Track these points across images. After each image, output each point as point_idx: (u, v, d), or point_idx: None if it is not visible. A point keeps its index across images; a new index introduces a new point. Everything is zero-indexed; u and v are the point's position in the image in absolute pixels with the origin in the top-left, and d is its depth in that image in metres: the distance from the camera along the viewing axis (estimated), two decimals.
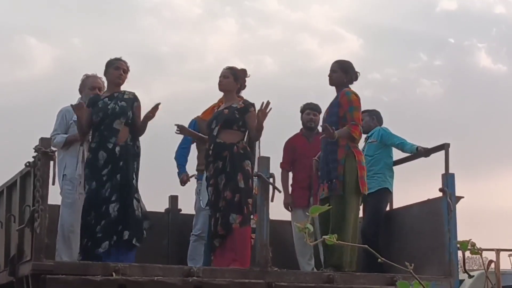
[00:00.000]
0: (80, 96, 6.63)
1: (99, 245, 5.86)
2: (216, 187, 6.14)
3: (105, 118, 6.07)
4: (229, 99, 6.41)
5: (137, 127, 6.16)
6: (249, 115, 6.26)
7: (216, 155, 6.15)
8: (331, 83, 6.50)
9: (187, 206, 7.20)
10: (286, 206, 7.16)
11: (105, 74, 6.31)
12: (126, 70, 6.24)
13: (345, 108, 6.31)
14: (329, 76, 6.46)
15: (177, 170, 7.02)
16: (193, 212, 6.91)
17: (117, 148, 6.01)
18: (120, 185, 5.97)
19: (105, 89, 6.44)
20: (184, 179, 6.92)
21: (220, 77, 6.40)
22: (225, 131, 6.19)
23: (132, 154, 6.10)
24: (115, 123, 6.08)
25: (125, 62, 6.25)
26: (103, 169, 5.97)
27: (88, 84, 6.55)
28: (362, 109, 6.61)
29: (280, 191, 6.07)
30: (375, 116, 7.52)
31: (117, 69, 6.19)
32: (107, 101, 6.16)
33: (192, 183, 6.96)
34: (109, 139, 6.02)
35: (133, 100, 6.23)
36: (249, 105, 6.32)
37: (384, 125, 7.55)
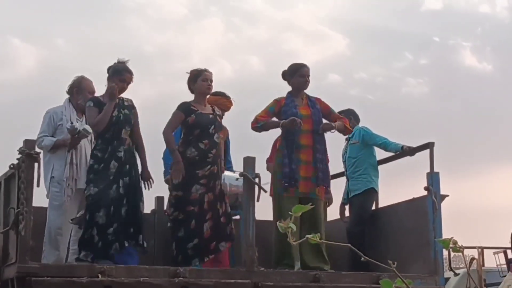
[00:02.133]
0: (68, 96, 6.55)
1: (111, 246, 5.92)
2: (210, 189, 6.28)
3: (111, 126, 6.11)
4: (206, 102, 6.54)
5: (137, 134, 6.28)
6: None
7: (215, 161, 6.33)
8: (307, 88, 6.75)
9: None
10: None
11: (108, 79, 6.26)
12: (129, 82, 6.25)
13: (329, 108, 6.77)
14: (308, 81, 6.70)
15: (163, 170, 6.95)
16: None
17: (122, 153, 6.08)
18: (129, 187, 6.05)
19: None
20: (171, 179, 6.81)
21: (209, 80, 6.46)
22: (219, 139, 6.43)
23: (135, 157, 6.23)
24: (123, 133, 6.14)
25: (131, 74, 6.23)
26: (112, 174, 6.03)
27: (86, 87, 6.47)
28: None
29: (266, 191, 6.12)
30: (352, 116, 7.37)
31: (122, 81, 6.18)
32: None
33: None
34: (118, 149, 6.07)
35: (132, 107, 6.31)
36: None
37: (370, 124, 7.49)
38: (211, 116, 6.41)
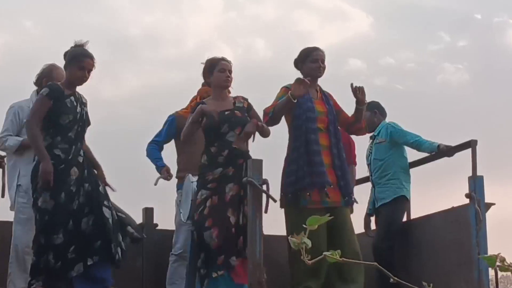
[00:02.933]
0: (35, 88, 6.03)
1: (72, 267, 5.27)
2: (218, 193, 5.70)
3: (75, 124, 5.51)
4: (225, 96, 6.03)
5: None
6: (254, 113, 6.02)
7: (230, 162, 5.79)
8: (321, 75, 6.15)
9: (164, 220, 6.78)
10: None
11: (66, 67, 5.64)
12: (91, 70, 5.64)
13: (339, 107, 6.19)
14: (321, 67, 6.08)
15: (154, 166, 6.43)
16: (173, 228, 6.43)
17: (83, 158, 5.52)
18: (91, 195, 5.43)
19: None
20: (168, 172, 6.31)
21: (228, 71, 5.95)
22: (239, 137, 5.86)
23: (89, 160, 5.66)
24: (85, 133, 5.61)
25: (92, 60, 5.60)
26: (71, 181, 5.41)
27: (58, 76, 5.92)
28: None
29: (275, 201, 5.57)
30: (376, 110, 6.86)
31: (81, 69, 5.55)
32: (74, 101, 5.59)
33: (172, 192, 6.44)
34: (80, 153, 5.49)
35: (86, 105, 5.75)
36: (249, 101, 6.09)
37: (399, 119, 6.98)
38: (226, 113, 5.89)
